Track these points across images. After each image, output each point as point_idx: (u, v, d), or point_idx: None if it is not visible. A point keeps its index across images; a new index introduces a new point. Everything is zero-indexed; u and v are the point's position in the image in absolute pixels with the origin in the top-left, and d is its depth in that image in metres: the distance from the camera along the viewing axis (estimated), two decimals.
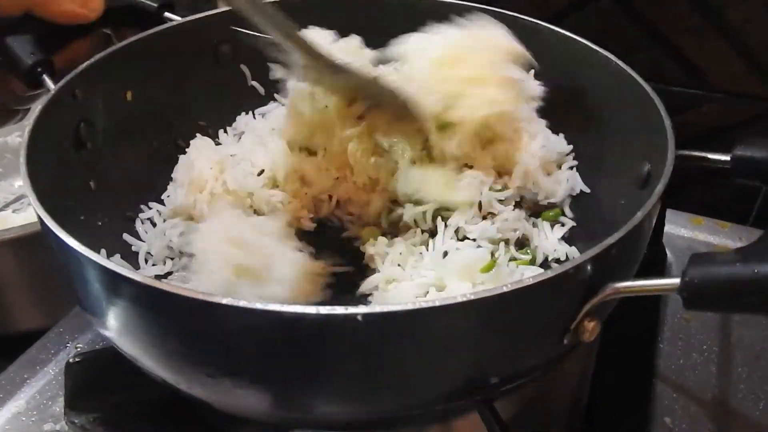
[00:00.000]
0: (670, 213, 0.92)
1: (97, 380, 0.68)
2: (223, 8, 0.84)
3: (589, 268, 0.49)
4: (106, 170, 0.74)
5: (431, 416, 0.60)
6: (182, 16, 0.83)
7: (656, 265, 0.87)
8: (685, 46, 0.99)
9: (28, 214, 1.01)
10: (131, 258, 0.72)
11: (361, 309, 0.45)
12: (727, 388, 0.73)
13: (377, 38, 0.87)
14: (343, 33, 0.87)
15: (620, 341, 0.77)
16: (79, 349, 0.76)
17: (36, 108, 0.65)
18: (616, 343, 0.77)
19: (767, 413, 0.70)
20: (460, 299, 0.46)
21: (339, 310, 0.45)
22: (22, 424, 0.69)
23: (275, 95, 0.88)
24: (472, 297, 0.46)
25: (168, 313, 0.49)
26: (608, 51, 0.76)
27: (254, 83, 0.89)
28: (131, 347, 0.55)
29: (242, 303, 0.45)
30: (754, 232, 0.93)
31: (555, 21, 0.96)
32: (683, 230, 0.94)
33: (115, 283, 0.49)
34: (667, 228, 0.91)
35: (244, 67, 0.88)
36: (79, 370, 0.68)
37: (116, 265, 0.48)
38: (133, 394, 0.66)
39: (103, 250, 0.68)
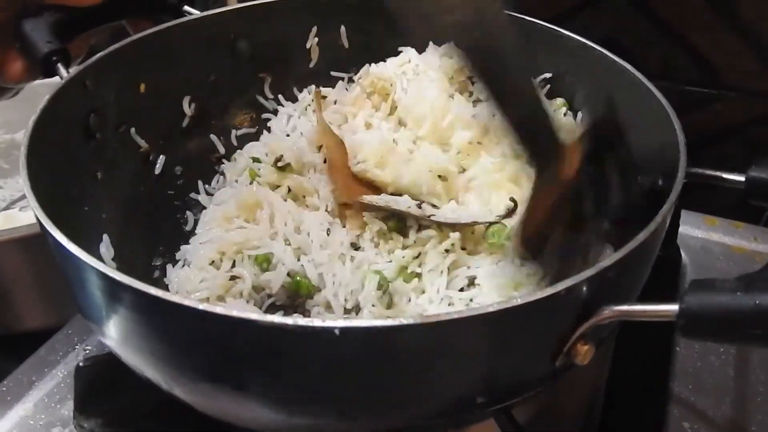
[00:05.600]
0: (684, 213, 0.91)
1: (106, 384, 0.67)
2: (240, 4, 0.84)
3: (584, 290, 0.48)
4: (115, 161, 0.73)
5: (444, 424, 0.59)
6: (201, 10, 0.83)
7: (671, 266, 0.87)
8: (698, 44, 0.99)
9: None
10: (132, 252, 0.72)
11: (339, 323, 0.44)
12: (745, 391, 0.73)
13: (384, 36, 0.87)
14: (354, 30, 0.87)
15: (636, 343, 0.77)
16: (87, 352, 0.76)
17: (45, 97, 0.64)
18: (631, 346, 0.77)
19: None
20: (444, 317, 0.45)
21: (317, 322, 0.44)
22: (30, 427, 0.69)
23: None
24: (456, 316, 0.44)
25: (162, 320, 0.48)
26: (621, 48, 0.75)
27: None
28: (128, 352, 0.55)
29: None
30: None
31: (568, 18, 0.95)
32: (697, 231, 0.94)
33: (111, 288, 0.49)
34: (682, 228, 0.90)
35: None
36: (88, 373, 0.67)
37: (110, 269, 0.48)
38: (141, 397, 0.65)
39: (105, 236, 0.68)
